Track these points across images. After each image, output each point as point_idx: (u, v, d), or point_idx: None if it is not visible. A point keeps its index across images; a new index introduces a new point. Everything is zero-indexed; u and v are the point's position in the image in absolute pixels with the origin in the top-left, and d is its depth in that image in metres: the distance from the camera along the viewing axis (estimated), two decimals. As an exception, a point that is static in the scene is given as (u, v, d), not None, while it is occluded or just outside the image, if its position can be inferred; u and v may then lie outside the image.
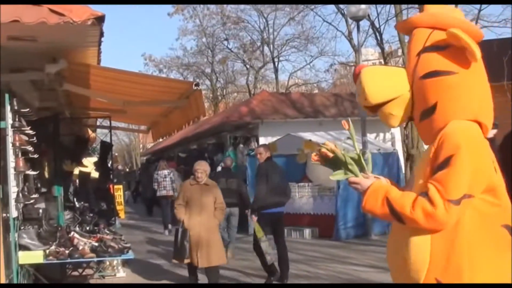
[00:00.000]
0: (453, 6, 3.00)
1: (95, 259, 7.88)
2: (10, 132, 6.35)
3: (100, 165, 11.44)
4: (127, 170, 36.27)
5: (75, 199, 10.60)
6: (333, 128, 16.98)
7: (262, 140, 17.28)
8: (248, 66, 35.19)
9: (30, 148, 6.96)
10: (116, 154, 42.32)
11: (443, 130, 2.99)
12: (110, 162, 12.05)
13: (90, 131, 13.87)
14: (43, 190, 8.82)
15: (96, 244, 7.49)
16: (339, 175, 3.16)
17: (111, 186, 19.93)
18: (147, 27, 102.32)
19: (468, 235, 2.90)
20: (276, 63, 34.47)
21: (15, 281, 6.26)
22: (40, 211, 7.37)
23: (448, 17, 3.11)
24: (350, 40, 23.24)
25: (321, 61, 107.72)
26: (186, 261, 8.85)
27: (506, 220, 2.94)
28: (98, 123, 12.98)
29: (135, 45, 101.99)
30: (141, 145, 63.43)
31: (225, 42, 34.95)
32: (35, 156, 7.39)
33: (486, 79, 3.11)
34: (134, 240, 15.12)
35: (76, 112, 11.20)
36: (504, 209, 2.95)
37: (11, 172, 6.38)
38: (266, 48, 34.46)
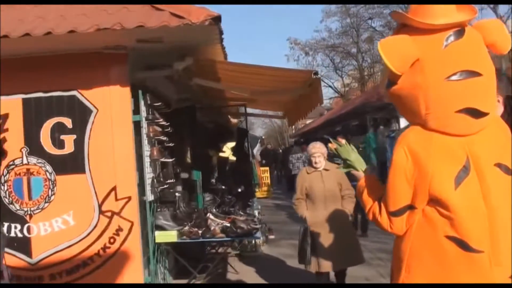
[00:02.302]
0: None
1: (224, 239, 8.41)
2: (144, 124, 7.05)
3: (237, 150, 12.09)
4: (279, 150, 37.14)
5: (215, 182, 11.30)
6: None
7: (403, 122, 17.19)
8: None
9: (164, 138, 7.66)
10: (263, 137, 43.28)
11: None
12: (247, 146, 12.66)
13: (231, 118, 14.58)
14: (184, 175, 9.53)
15: (228, 225, 8.07)
16: (343, 168, 3.69)
17: (258, 168, 20.64)
18: (292, 11, 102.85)
19: (411, 242, 3.07)
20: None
21: (151, 259, 6.98)
22: (177, 194, 8.08)
23: (400, 15, 3.14)
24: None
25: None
26: (310, 268, 7.24)
27: (454, 231, 2.94)
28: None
29: (280, 30, 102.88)
30: (293, 127, 64.34)
31: (369, 21, 34.78)
32: (171, 144, 8.09)
33: (439, 84, 2.98)
34: (277, 220, 15.71)
35: (214, 102, 11.90)
36: (453, 220, 2.93)
37: (146, 160, 7.10)
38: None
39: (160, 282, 7.54)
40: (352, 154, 3.62)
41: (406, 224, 3.07)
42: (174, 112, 9.10)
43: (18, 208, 6.63)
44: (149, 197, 7.07)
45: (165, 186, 7.50)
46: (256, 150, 20.96)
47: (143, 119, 7.02)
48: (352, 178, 3.85)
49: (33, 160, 6.63)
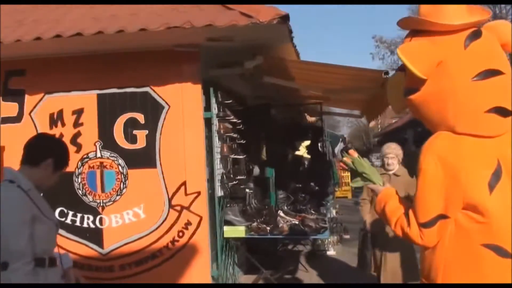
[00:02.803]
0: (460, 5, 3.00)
1: (288, 237, 8.44)
2: (215, 121, 7.17)
3: (312, 148, 12.10)
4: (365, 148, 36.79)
5: (289, 181, 11.34)
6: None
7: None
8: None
9: (235, 135, 7.77)
10: (346, 136, 43.06)
11: None
12: (321, 145, 12.64)
13: (308, 116, 14.59)
14: (256, 172, 9.63)
15: (297, 222, 8.12)
16: (357, 183, 3.57)
17: (339, 167, 20.56)
18: (377, 9, 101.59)
19: (445, 253, 2.97)
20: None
21: (219, 253, 7.10)
22: (247, 190, 8.19)
23: (415, 20, 3.10)
24: None
25: None
26: (371, 271, 7.04)
27: (490, 238, 2.87)
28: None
29: (365, 28, 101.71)
30: (378, 126, 63.63)
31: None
32: (242, 141, 8.20)
33: (465, 84, 2.94)
34: (354, 220, 15.58)
35: (289, 100, 11.93)
36: (489, 227, 2.87)
37: (217, 157, 7.22)
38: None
39: (228, 276, 7.66)
40: (367, 167, 3.53)
41: (438, 235, 2.99)
42: (249, 109, 9.22)
43: (91, 200, 6.88)
44: (219, 192, 7.18)
45: (235, 182, 7.60)
46: (338, 149, 20.89)
47: (214, 116, 7.13)
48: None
49: (106, 154, 6.87)
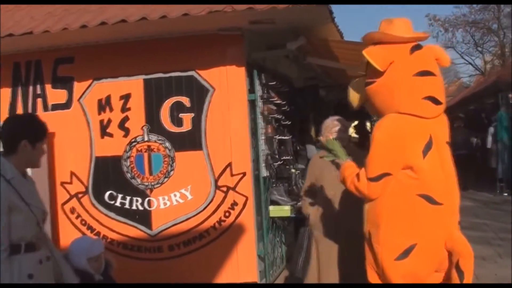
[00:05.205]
0: (403, 19, 4.26)
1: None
2: (259, 102, 7.25)
3: (359, 128, 12.09)
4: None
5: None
6: None
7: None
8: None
9: (280, 116, 7.84)
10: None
11: None
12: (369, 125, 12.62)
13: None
14: (308, 153, 9.63)
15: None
16: (328, 157, 4.56)
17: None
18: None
19: (388, 202, 3.95)
20: None
21: (264, 233, 7.20)
22: (293, 171, 8.25)
23: (376, 34, 4.13)
24: None
25: None
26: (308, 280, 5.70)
27: (423, 190, 3.90)
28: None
29: (419, 6, 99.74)
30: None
31: (512, -5, 33.06)
32: (287, 122, 8.25)
33: (409, 79, 3.98)
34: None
35: (337, 81, 11.93)
36: (422, 182, 3.90)
37: (261, 138, 7.30)
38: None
39: (276, 255, 7.77)
40: (337, 146, 4.49)
41: (381, 189, 3.93)
42: (295, 91, 9.26)
43: (139, 182, 7.07)
44: (264, 172, 7.27)
45: (280, 163, 7.67)
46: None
47: (258, 97, 7.20)
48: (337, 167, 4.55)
49: (153, 137, 7.03)
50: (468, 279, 3.84)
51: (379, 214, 3.99)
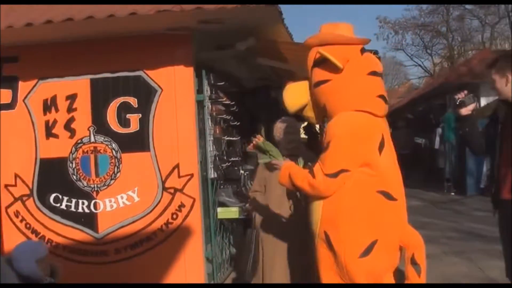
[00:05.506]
0: (347, 23, 4.40)
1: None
2: (207, 103, 7.20)
3: (307, 129, 12.08)
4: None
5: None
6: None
7: (484, 101, 16.72)
8: (483, 23, 33.60)
9: (228, 117, 7.80)
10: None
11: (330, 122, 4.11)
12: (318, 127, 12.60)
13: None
14: (253, 154, 9.62)
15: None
16: (264, 159, 4.55)
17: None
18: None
19: (348, 199, 3.98)
20: (512, 17, 32.44)
21: (212, 235, 7.16)
22: (241, 172, 8.21)
23: (329, 35, 4.20)
24: None
25: None
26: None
27: (381, 186, 3.99)
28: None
29: (368, 8, 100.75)
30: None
31: (460, -1, 33.63)
32: (236, 123, 8.22)
33: (364, 77, 4.12)
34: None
35: (289, 81, 11.90)
36: (380, 179, 3.99)
37: (209, 139, 7.25)
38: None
39: (224, 256, 7.74)
40: (272, 147, 4.53)
41: (338, 185, 3.94)
42: (247, 91, 9.23)
43: (85, 184, 6.95)
44: (212, 174, 7.23)
45: (228, 164, 7.64)
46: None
47: (206, 98, 7.15)
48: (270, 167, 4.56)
49: (100, 138, 6.92)
50: (423, 271, 4.01)
51: (339, 212, 4.00)
